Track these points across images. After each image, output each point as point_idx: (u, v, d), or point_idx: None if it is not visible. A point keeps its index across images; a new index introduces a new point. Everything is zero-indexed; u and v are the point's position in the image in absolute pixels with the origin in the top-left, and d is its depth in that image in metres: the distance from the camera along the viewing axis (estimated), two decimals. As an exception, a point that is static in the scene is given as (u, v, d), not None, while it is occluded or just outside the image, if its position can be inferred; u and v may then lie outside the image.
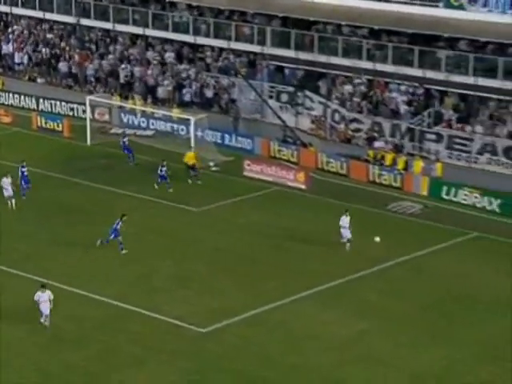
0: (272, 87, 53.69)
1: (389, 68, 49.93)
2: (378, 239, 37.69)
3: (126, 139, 48.96)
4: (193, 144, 48.48)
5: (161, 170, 44.58)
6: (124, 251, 37.69)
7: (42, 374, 28.94)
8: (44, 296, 31.47)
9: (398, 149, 48.08)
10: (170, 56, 58.15)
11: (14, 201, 42.13)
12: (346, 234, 38.12)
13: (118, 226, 37.67)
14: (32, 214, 41.68)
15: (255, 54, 54.81)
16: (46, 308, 31.48)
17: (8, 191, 42.16)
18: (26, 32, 64.27)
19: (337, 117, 50.99)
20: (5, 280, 35.24)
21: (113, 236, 37.66)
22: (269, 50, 53.98)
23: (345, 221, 38.09)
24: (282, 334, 31.79)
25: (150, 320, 32.48)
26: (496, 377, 29.30)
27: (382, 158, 47.54)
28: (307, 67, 52.76)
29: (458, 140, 47.24)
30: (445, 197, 44.38)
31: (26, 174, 43.51)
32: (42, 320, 31.52)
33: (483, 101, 47.74)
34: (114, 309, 33.24)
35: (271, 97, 53.47)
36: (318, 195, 44.80)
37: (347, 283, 35.58)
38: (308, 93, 52.22)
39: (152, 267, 36.81)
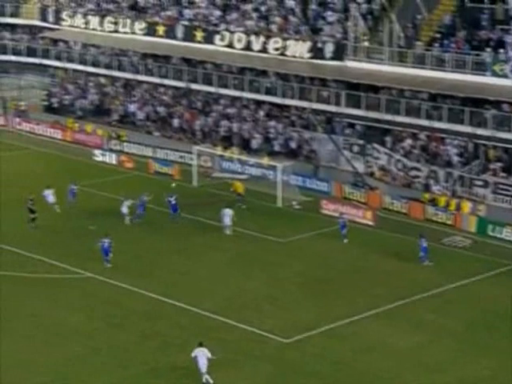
0: (346, 140, 53.61)
1: (444, 125, 49.33)
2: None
3: (172, 198, 45.59)
4: (279, 187, 48.52)
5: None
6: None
7: (153, 373, 29.16)
8: (201, 353, 28.18)
9: (453, 194, 47.36)
10: (261, 114, 58.51)
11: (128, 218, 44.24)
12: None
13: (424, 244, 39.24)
14: (147, 238, 42.19)
15: (331, 112, 54.81)
16: (203, 365, 28.04)
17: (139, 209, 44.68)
18: (146, 94, 65.43)
19: (399, 165, 50.58)
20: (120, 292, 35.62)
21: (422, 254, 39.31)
22: (343, 109, 53.95)
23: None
24: (352, 344, 31.50)
25: (241, 331, 32.43)
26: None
27: (436, 200, 46.86)
28: (375, 124, 52.54)
29: (501, 186, 46.31)
30: (490, 233, 43.46)
31: (74, 191, 46.98)
32: (204, 381, 28.13)
33: (523, 153, 46.92)
34: (211, 320, 33.31)
35: (345, 148, 53.36)
36: (382, 230, 44.35)
37: (407, 304, 35.04)
38: (375, 145, 51.98)
39: (245, 286, 36.82)
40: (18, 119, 66.30)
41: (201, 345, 28.43)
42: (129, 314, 33.47)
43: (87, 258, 38.68)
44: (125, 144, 59.47)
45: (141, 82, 65.89)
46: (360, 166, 51.98)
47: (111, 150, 58.63)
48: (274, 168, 50.71)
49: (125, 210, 44.41)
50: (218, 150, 55.41)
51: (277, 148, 56.16)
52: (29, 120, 66.10)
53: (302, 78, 57.18)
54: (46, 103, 69.70)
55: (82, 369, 29.09)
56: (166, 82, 63.70)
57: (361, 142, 52.80)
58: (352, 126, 54.16)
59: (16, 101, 69.68)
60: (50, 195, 45.55)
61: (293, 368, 29.67)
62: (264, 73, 59.25)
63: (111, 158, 57.14)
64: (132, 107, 64.58)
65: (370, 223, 45.31)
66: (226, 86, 59.96)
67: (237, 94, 59.46)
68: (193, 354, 28.29)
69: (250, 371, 29.33)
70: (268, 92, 57.91)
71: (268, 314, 33.92)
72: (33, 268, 38.10)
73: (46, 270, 37.97)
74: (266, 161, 52.88)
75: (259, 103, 59.03)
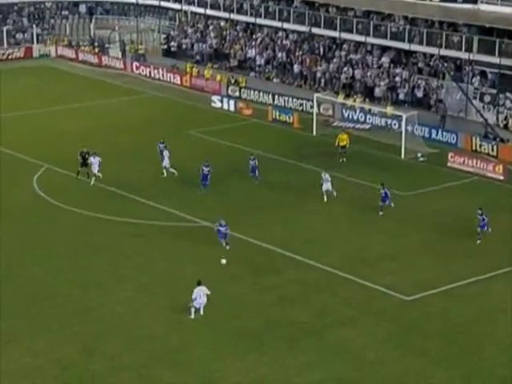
0: (476, 89, 52.34)
1: None
2: (223, 261, 33.26)
3: (207, 168, 42.32)
4: (404, 138, 47.93)
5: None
6: None
7: (269, 327, 29.62)
8: (200, 292, 29.48)
9: None
10: (385, 61, 57.71)
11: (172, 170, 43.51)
12: None
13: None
14: (262, 190, 42.48)
15: (462, 59, 53.51)
16: (201, 303, 29.58)
17: (165, 161, 43.46)
18: (266, 39, 65.45)
19: (535, 116, 49.21)
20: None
21: None
22: (474, 56, 52.57)
23: None
24: (474, 306, 31.18)
25: (361, 287, 32.53)
26: None
27: None
28: (509, 72, 51.01)
29: None
30: None
31: (161, 149, 44.42)
32: (191, 308, 29.64)
33: None
34: (330, 275, 33.50)
35: (475, 97, 52.13)
36: (514, 186, 43.47)
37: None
38: (508, 95, 50.51)
39: (364, 241, 36.77)
40: (136, 63, 67.63)
41: (199, 283, 29.45)
42: (246, 266, 33.98)
43: (203, 207, 39.37)
44: (243, 90, 59.80)
45: (261, 26, 65.95)
46: (491, 117, 50.75)
47: (229, 97, 59.12)
48: (398, 118, 50.09)
49: (166, 162, 43.76)
50: (340, 98, 55.10)
51: (402, 97, 55.43)
52: (147, 64, 67.33)
53: (431, 23, 56.00)
54: (164, 47, 70.81)
55: (197, 320, 29.85)
56: (287, 26, 63.54)
57: (493, 91, 51.46)
58: (483, 73, 52.80)
59: (135, 44, 71.07)
60: (95, 163, 42.51)
61: (413, 327, 29.63)
62: (390, 16, 58.28)
63: (229, 105, 57.65)
64: (252, 52, 64.82)
65: (501, 178, 44.31)
66: (349, 31, 59.38)
67: (361, 39, 58.79)
68: (193, 296, 29.31)
69: (369, 328, 29.47)
70: (394, 37, 57.02)
71: (388, 271, 33.84)
72: (152, 216, 39.12)
73: (165, 218, 38.93)
74: (389, 110, 52.28)
75: (384, 49, 58.22)
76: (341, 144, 47.08)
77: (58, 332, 29.07)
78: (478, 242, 36.22)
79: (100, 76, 66.62)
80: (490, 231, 36.46)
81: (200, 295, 29.57)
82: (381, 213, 39.23)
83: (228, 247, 35.07)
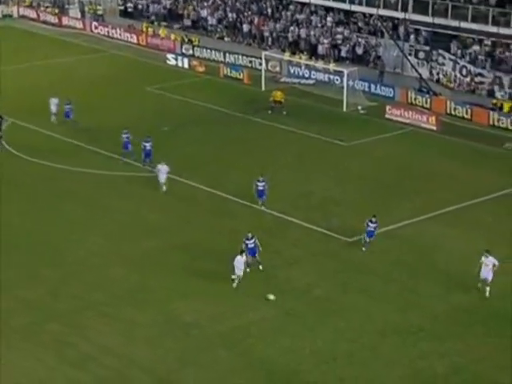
0: (411, 46, 52.37)
1: (510, 31, 47.66)
2: (271, 297, 27.68)
3: (148, 144, 38.61)
4: (345, 92, 47.85)
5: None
6: None
7: (221, 265, 29.47)
8: (240, 260, 27.79)
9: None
10: (329, 21, 57.34)
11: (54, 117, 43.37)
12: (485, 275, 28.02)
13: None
14: (210, 144, 42.15)
15: (398, 18, 53.41)
16: (240, 269, 28.00)
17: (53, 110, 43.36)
18: (217, 0, 64.51)
19: (464, 71, 49.30)
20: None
21: None
22: (410, 15, 52.49)
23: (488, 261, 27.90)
24: (412, 245, 31.48)
25: (306, 230, 32.64)
26: None
27: (501, 106, 45.75)
28: (441, 30, 51.08)
29: None
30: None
31: (67, 110, 43.30)
32: (235, 277, 28.05)
33: None
34: (278, 219, 33.53)
35: (410, 54, 52.15)
36: (446, 135, 43.64)
37: (466, 207, 34.66)
38: (441, 51, 50.65)
39: (310, 188, 36.80)
40: (95, 23, 66.33)
41: (242, 252, 28.15)
42: (203, 213, 33.75)
43: (158, 157, 39.04)
44: (196, 49, 59.04)
45: (212, -12, 64.95)
46: (425, 72, 50.87)
47: (183, 55, 58.36)
48: (340, 73, 49.93)
49: (54, 108, 43.42)
50: (286, 56, 54.71)
51: (343, 54, 55.24)
52: (105, 24, 66.08)
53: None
54: (121, 8, 69.46)
55: (156, 263, 29.74)
56: (235, -12, 62.69)
57: (426, 48, 51.54)
58: (418, 32, 52.80)
59: (93, 5, 69.61)
60: None
61: (354, 265, 29.89)
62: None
63: (183, 62, 56.95)
64: (204, 12, 63.89)
65: (434, 128, 44.59)
66: (298, -7, 58.85)
67: (305, 0, 58.27)
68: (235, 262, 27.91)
69: (315, 267, 29.66)
70: (336, -2, 56.71)
71: (332, 215, 33.95)
72: (110, 166, 38.66)
73: (123, 168, 38.51)
74: (332, 66, 52.08)
75: (327, 9, 57.81)
76: (276, 99, 46.63)
77: (28, 276, 28.77)
78: (364, 249, 31.01)
79: (61, 36, 65.27)
80: (370, 240, 31.05)
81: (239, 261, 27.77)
82: (262, 207, 34.16)
83: (261, 267, 29.32)
